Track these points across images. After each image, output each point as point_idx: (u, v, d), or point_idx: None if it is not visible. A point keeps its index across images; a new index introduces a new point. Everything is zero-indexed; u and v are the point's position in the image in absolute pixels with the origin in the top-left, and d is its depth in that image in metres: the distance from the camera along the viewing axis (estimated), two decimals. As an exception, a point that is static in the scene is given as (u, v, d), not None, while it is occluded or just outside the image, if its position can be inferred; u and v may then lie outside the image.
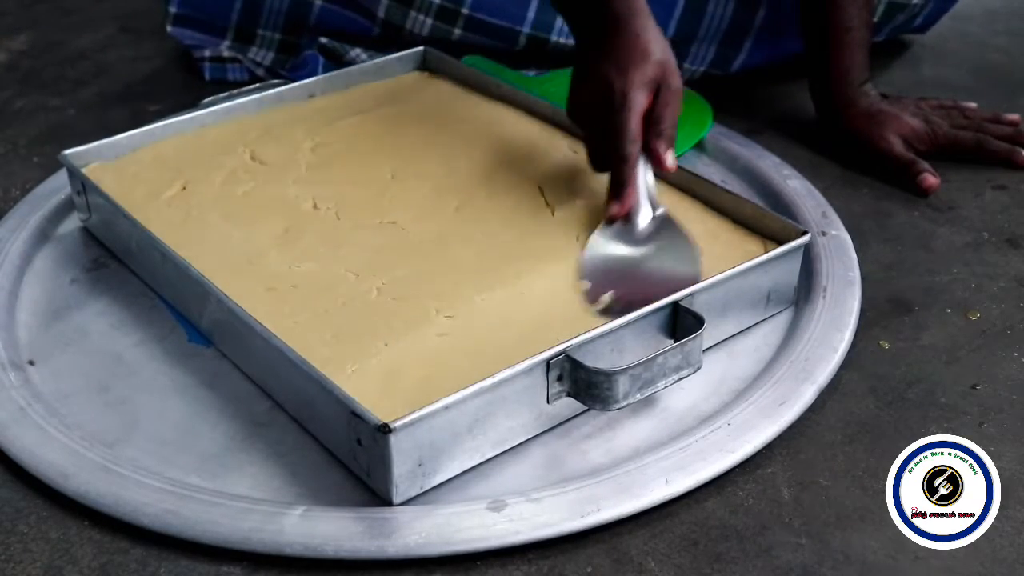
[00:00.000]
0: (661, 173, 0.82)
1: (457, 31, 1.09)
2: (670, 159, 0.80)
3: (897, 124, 0.99)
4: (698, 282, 0.73)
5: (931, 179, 0.95)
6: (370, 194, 0.87)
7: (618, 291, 0.75)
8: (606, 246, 0.80)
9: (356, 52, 1.13)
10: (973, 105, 1.04)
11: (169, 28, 1.16)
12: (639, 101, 0.78)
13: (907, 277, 0.86)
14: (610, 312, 0.73)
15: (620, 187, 0.80)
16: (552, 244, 0.81)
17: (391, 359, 0.70)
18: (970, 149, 1.00)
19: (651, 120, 0.79)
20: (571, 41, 1.04)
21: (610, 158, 0.80)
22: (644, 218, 0.81)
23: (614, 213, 0.80)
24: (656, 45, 0.79)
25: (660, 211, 0.81)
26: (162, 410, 0.73)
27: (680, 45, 1.07)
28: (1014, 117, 1.03)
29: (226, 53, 1.15)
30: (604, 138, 0.80)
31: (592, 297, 0.75)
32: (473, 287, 0.76)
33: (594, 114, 0.81)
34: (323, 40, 1.13)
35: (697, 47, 1.10)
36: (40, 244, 0.88)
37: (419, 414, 0.62)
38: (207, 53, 1.15)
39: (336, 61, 1.12)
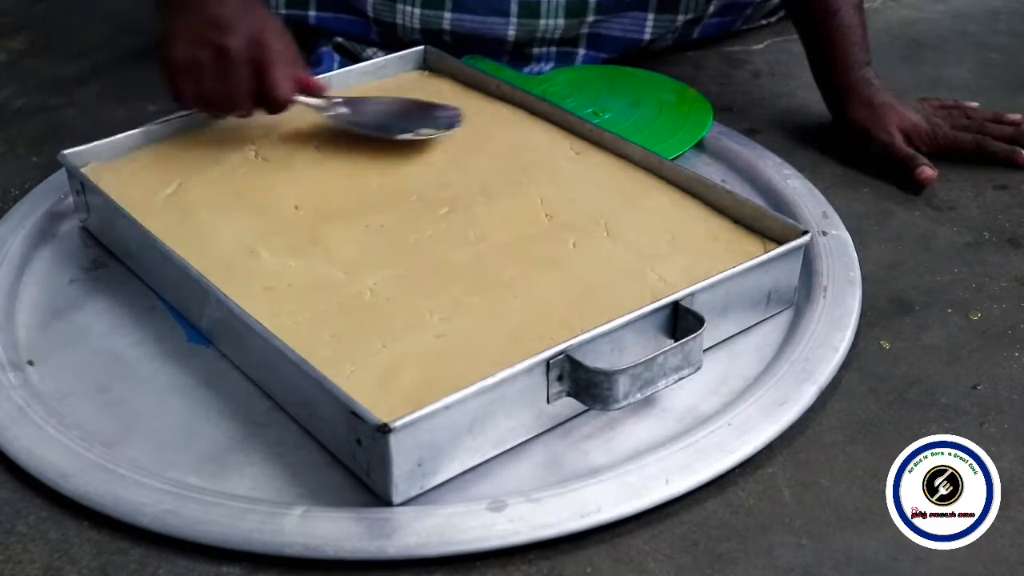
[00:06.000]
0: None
1: (447, 15, 1.09)
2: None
3: (899, 118, 0.98)
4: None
5: (928, 171, 0.95)
6: (360, 193, 0.87)
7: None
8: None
9: (372, 51, 1.13)
10: (975, 105, 1.04)
11: None
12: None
13: (908, 277, 0.86)
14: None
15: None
16: (548, 246, 0.81)
17: (390, 359, 0.70)
18: (970, 150, 1.00)
19: None
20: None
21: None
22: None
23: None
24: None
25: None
26: (161, 410, 0.73)
27: None
28: (1016, 117, 1.03)
29: None
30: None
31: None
32: (466, 289, 0.76)
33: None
34: (339, 39, 1.13)
35: None
36: (39, 244, 0.88)
37: (419, 414, 0.62)
38: None
39: (352, 60, 1.12)
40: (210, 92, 0.86)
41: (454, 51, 1.09)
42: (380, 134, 0.91)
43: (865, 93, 0.99)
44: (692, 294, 0.72)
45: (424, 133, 0.92)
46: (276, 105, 0.87)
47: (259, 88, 0.86)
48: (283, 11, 1.12)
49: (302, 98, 0.89)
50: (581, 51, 1.13)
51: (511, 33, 1.10)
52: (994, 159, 0.99)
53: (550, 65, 1.13)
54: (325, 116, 0.91)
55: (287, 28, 0.90)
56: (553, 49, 1.13)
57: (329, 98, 0.92)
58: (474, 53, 1.11)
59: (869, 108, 0.99)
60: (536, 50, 1.12)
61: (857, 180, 0.98)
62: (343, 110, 0.92)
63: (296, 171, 0.90)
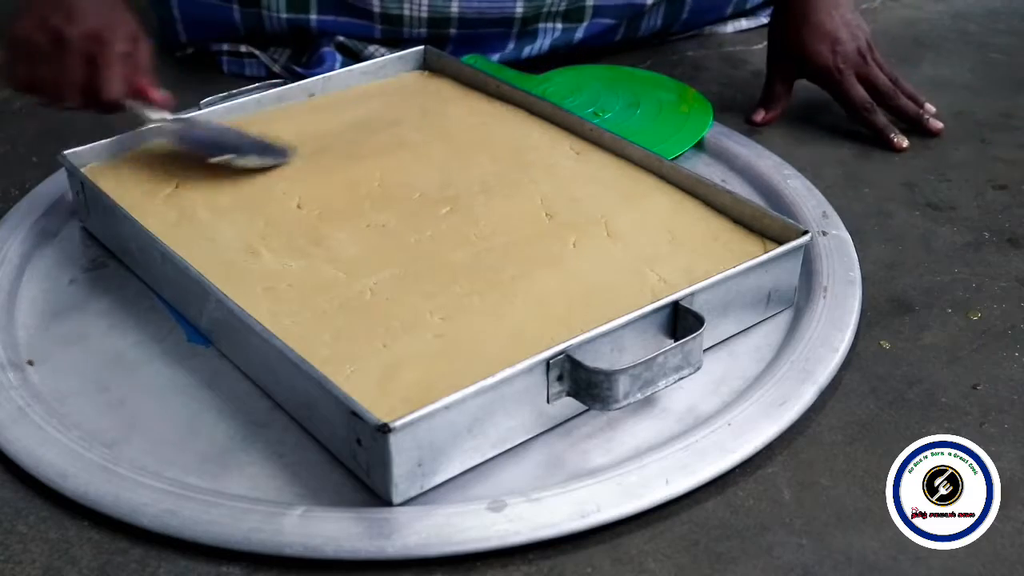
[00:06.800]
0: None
1: (455, 5, 1.10)
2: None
3: (818, 38, 1.01)
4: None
5: (760, 116, 1.04)
6: (361, 194, 0.87)
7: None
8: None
9: (373, 48, 1.13)
10: (909, 87, 1.05)
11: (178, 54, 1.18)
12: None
13: (908, 277, 0.86)
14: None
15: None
16: (548, 246, 0.80)
17: (390, 359, 0.70)
18: (856, 108, 1.02)
19: None
20: None
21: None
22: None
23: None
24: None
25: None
26: (161, 410, 0.73)
27: None
28: (928, 106, 1.04)
29: (243, 48, 1.16)
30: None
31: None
32: (466, 289, 0.76)
33: None
34: (340, 38, 1.13)
35: None
36: (39, 244, 0.88)
37: (419, 414, 0.62)
38: (225, 47, 1.16)
39: (354, 58, 1.13)
40: (40, 78, 0.85)
41: (457, 45, 1.09)
42: (199, 152, 0.88)
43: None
44: (692, 294, 0.72)
45: (243, 163, 0.88)
46: (102, 105, 0.85)
47: (89, 84, 0.84)
48: (284, 15, 1.12)
49: (134, 104, 0.87)
50: (585, 22, 1.14)
51: (519, 10, 1.10)
52: (870, 128, 1.02)
53: (556, 34, 1.13)
54: (150, 127, 0.88)
55: (148, 34, 0.88)
56: (559, 24, 1.14)
57: (166, 115, 0.89)
58: (480, 37, 1.11)
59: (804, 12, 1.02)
60: (542, 25, 1.13)
61: (857, 180, 0.98)
62: (174, 127, 0.89)
63: (296, 170, 0.90)
